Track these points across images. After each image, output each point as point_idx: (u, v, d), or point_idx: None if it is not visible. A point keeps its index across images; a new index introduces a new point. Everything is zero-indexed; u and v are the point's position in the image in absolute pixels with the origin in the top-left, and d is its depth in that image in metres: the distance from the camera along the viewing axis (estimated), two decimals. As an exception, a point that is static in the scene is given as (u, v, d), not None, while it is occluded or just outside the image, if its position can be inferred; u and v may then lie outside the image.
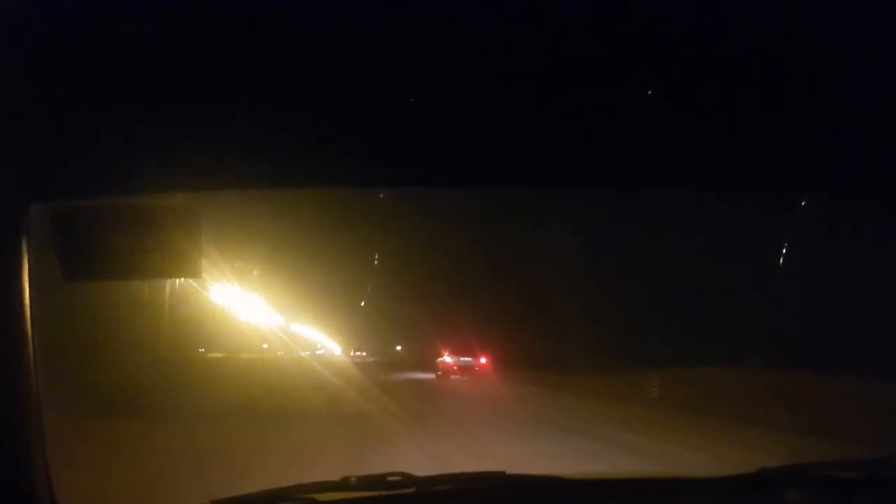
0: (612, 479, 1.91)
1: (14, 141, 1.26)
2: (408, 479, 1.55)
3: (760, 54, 1.37)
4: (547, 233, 24.80)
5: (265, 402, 11.80)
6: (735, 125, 1.51)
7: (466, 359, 24.34)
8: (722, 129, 1.51)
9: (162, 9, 1.21)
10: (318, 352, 52.97)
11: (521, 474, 1.65)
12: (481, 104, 1.43)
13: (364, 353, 49.02)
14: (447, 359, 24.60)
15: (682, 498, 1.70)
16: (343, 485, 1.53)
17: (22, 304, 1.23)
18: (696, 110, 1.47)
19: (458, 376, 23.39)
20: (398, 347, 51.55)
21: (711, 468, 1.78)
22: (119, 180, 1.35)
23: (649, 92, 1.40)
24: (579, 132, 1.53)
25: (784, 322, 13.16)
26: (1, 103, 1.23)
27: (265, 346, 35.84)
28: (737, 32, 1.33)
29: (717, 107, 1.47)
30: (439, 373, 24.53)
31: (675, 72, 1.39)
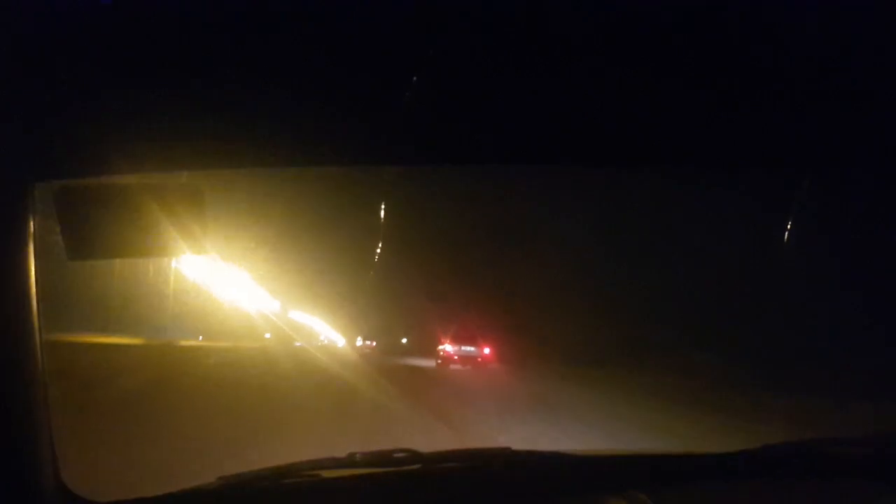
0: (616, 455, 1.92)
1: (18, 120, 1.26)
2: (414, 456, 1.56)
3: (766, 35, 1.37)
4: (561, 216, 24.03)
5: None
6: (751, 108, 1.51)
7: (468, 348, 23.57)
8: (728, 106, 1.51)
9: None
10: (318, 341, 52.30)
11: (528, 450, 1.66)
12: (485, 81, 1.43)
13: (374, 343, 48.60)
14: (448, 347, 24.18)
15: (684, 473, 1.71)
16: (349, 461, 1.54)
17: (28, 283, 1.23)
18: (706, 90, 1.46)
19: (458, 366, 23.09)
20: (403, 340, 51.48)
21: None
22: (124, 159, 1.35)
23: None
24: (585, 111, 1.52)
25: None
26: (4, 82, 1.23)
27: (267, 335, 35.79)
28: (741, 14, 1.32)
29: (729, 88, 1.46)
30: (439, 361, 24.25)
31: (681, 53, 1.39)
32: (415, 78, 1.37)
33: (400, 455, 1.54)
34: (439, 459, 1.59)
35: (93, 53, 1.26)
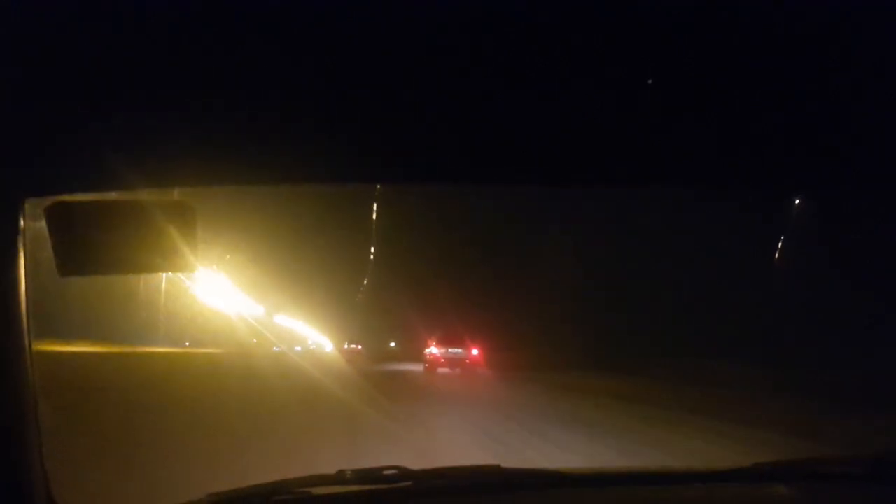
0: (609, 473, 1.92)
1: (9, 136, 1.25)
2: (404, 473, 1.56)
3: (763, 49, 1.37)
4: (550, 225, 23.82)
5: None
6: (738, 122, 1.51)
7: (456, 350, 23.05)
8: (725, 126, 1.51)
9: (158, 1, 1.20)
10: (298, 348, 51.22)
11: (518, 468, 1.66)
12: (476, 99, 1.43)
13: (360, 347, 48.54)
14: (434, 350, 23.60)
15: (678, 491, 1.71)
16: (338, 478, 1.54)
17: (18, 300, 1.23)
18: (697, 108, 1.47)
19: (446, 369, 22.61)
20: (392, 344, 51.33)
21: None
22: (115, 175, 1.34)
23: (649, 81, 1.38)
24: (576, 129, 1.52)
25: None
26: None
27: (254, 340, 35.40)
28: (740, 27, 1.33)
29: (719, 104, 1.46)
30: (426, 365, 23.78)
31: (677, 68, 1.39)
32: (406, 97, 1.37)
33: (390, 472, 1.54)
34: (430, 477, 1.59)
35: (84, 72, 1.25)
